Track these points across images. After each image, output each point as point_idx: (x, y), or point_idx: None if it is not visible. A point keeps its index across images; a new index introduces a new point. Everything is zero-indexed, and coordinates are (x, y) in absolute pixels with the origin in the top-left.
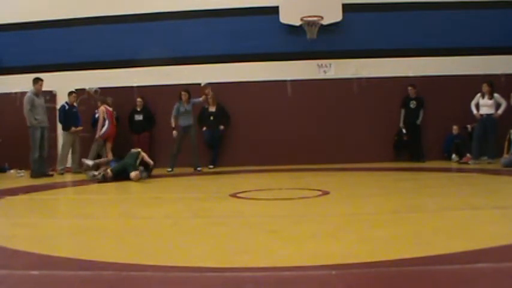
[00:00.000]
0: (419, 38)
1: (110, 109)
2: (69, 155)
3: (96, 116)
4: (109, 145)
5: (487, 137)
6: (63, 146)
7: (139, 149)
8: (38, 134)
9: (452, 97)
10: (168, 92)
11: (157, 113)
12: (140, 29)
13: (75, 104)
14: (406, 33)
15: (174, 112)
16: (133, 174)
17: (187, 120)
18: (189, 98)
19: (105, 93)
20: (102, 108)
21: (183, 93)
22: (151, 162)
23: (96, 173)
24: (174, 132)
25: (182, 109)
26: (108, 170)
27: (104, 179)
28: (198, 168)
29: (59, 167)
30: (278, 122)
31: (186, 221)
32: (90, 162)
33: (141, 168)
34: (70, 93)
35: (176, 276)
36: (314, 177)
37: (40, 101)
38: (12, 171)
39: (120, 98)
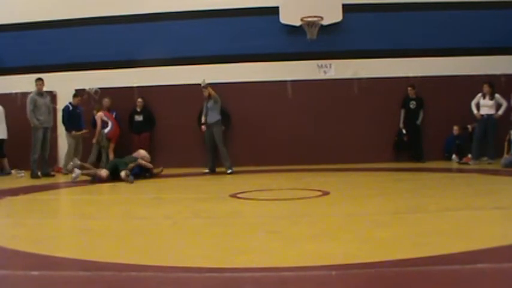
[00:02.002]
0: (419, 38)
1: (106, 111)
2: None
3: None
4: (112, 145)
5: (488, 138)
6: (68, 147)
7: (140, 158)
8: (40, 134)
9: (452, 97)
10: (168, 92)
11: (157, 114)
12: (140, 30)
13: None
14: (406, 33)
15: (203, 109)
16: (123, 173)
17: (209, 117)
18: (211, 93)
19: (106, 93)
20: (100, 113)
21: (203, 89)
22: (149, 165)
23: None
24: (202, 127)
25: (206, 105)
26: (104, 171)
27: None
28: (228, 171)
29: (64, 169)
30: (278, 123)
31: (186, 221)
32: (77, 162)
33: (128, 173)
34: (75, 95)
35: (176, 276)
36: (314, 177)
37: (45, 101)
38: (12, 171)
39: (120, 99)
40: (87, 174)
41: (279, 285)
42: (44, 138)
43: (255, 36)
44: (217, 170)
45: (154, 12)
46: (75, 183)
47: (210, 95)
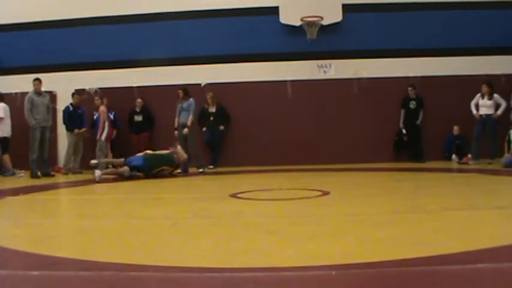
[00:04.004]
0: (419, 38)
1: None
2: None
3: (95, 117)
4: (108, 144)
5: (488, 138)
6: (68, 147)
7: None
8: (37, 134)
9: (452, 97)
10: (168, 92)
11: (157, 114)
12: (140, 29)
13: (81, 104)
14: (406, 33)
15: (176, 111)
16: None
17: (182, 118)
18: (185, 95)
19: (105, 93)
20: (103, 108)
21: (179, 91)
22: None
23: (98, 172)
24: (176, 132)
25: (180, 107)
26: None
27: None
28: (200, 170)
29: (64, 168)
30: (278, 122)
31: (186, 221)
32: (96, 161)
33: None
34: (73, 94)
35: (176, 276)
36: (314, 177)
37: (43, 100)
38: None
39: (120, 99)
40: (110, 173)
41: (279, 285)
42: (42, 137)
43: (255, 36)
44: (218, 170)
45: (154, 12)
46: (75, 183)
47: (183, 97)
